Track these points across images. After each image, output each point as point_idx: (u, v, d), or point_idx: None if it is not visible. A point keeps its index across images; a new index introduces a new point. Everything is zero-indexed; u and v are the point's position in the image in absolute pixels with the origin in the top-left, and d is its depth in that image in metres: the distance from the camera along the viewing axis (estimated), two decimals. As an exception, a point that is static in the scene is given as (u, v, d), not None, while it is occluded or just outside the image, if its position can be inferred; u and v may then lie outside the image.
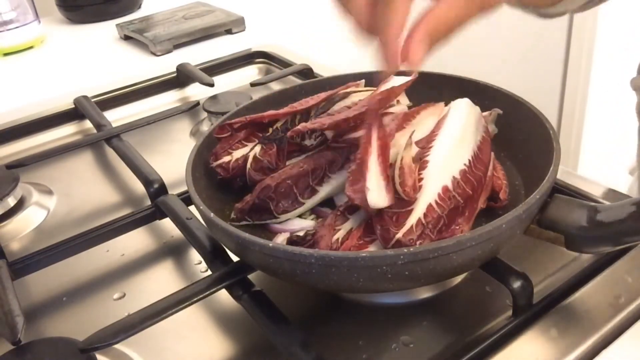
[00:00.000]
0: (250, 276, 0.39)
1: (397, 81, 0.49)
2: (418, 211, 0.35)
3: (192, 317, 0.40)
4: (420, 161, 0.39)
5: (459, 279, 0.40)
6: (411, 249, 0.31)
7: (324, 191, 0.43)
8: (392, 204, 0.35)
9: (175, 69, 0.77)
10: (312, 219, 0.43)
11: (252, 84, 0.70)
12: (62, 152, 0.61)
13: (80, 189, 0.58)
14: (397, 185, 0.35)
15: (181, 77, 0.77)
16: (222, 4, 0.94)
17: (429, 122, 0.44)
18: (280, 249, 0.32)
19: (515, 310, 0.36)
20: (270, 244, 0.33)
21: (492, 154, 0.42)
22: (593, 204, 0.35)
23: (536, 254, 0.41)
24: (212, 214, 0.36)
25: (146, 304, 0.36)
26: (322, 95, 0.49)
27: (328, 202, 0.44)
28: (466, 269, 0.38)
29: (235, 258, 0.40)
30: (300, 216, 0.43)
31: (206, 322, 0.40)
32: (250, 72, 0.81)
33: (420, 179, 0.37)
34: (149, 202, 0.50)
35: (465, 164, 0.38)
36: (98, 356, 0.37)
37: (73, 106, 0.71)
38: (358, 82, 0.52)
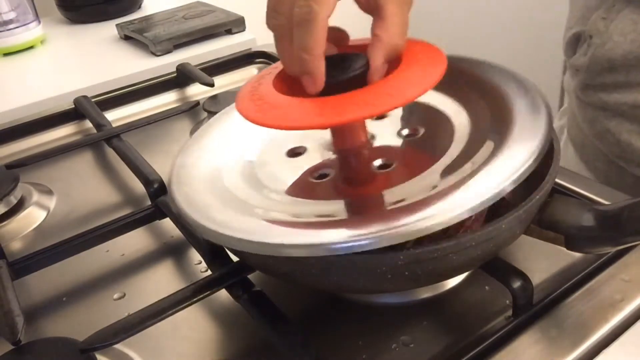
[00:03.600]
0: (250, 276, 0.39)
1: None
2: None
3: (192, 317, 0.40)
4: None
5: (459, 279, 0.40)
6: (411, 250, 0.31)
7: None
8: None
9: (175, 69, 0.77)
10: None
11: (252, 84, 0.70)
12: (62, 152, 0.61)
13: (80, 189, 0.58)
14: None
15: (181, 77, 0.77)
16: (222, 4, 0.94)
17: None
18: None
19: (515, 310, 0.36)
20: None
21: None
22: (593, 204, 0.35)
23: (536, 254, 0.41)
24: None
25: (146, 304, 0.36)
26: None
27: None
28: (466, 269, 0.38)
29: (235, 258, 0.40)
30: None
31: (206, 322, 0.40)
32: (250, 72, 0.81)
33: None
34: (149, 202, 0.50)
35: None
36: (98, 356, 0.37)
37: (73, 106, 0.71)
38: None
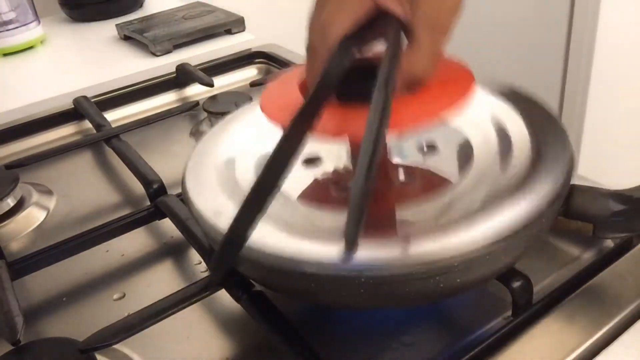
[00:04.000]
0: (250, 276, 0.39)
1: None
2: None
3: (192, 317, 0.40)
4: None
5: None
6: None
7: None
8: None
9: (174, 69, 0.77)
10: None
11: (252, 84, 0.70)
12: (62, 152, 0.61)
13: (80, 189, 0.58)
14: None
15: (181, 77, 0.77)
16: (222, 4, 0.94)
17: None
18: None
19: (515, 310, 0.36)
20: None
21: None
22: (612, 190, 0.35)
23: (536, 254, 0.41)
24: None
25: (146, 304, 0.36)
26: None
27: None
28: (481, 284, 0.38)
29: (235, 258, 0.40)
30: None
31: (206, 322, 0.40)
32: (250, 72, 0.81)
33: None
34: (148, 203, 0.50)
35: None
36: (98, 356, 0.37)
37: (73, 106, 0.71)
38: None
